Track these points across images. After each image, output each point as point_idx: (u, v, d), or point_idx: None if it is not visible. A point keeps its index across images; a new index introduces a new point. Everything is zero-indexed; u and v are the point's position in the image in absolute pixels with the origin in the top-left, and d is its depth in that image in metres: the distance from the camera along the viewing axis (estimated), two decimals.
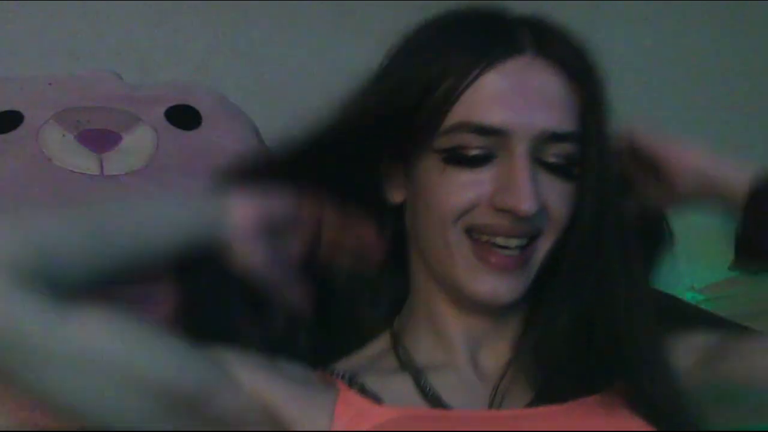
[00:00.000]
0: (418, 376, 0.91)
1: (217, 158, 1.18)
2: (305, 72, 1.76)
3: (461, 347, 0.94)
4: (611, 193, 0.92)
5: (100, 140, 1.14)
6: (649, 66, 1.97)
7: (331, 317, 0.98)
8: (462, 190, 0.88)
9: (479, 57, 0.87)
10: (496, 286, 0.89)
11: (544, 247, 0.90)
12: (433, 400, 0.90)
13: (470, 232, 0.89)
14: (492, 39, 0.89)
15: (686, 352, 0.93)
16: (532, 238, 0.90)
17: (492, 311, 0.93)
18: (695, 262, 1.87)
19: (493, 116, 0.86)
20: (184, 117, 1.21)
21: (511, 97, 0.87)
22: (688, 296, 1.73)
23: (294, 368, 0.92)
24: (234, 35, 1.74)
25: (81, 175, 1.11)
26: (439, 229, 0.89)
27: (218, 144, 1.20)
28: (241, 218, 0.91)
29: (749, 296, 1.71)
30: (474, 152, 0.87)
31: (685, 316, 1.15)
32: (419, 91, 0.88)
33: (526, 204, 0.85)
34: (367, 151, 0.92)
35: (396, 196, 0.95)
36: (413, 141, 0.90)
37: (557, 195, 0.89)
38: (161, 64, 1.67)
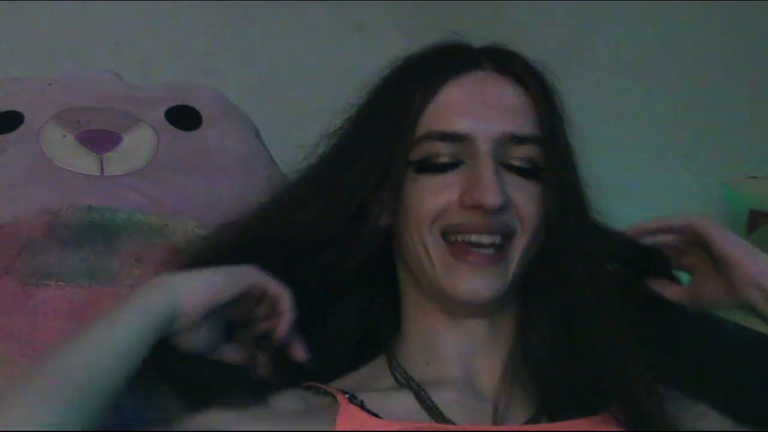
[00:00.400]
0: (418, 392, 0.93)
1: (217, 158, 1.19)
2: (305, 72, 1.76)
3: (454, 363, 0.96)
4: (574, 195, 0.97)
5: (100, 140, 1.14)
6: (647, 67, 1.97)
7: (325, 341, 0.99)
8: (433, 194, 0.93)
9: (440, 73, 0.96)
10: (474, 283, 0.92)
11: (519, 245, 0.94)
12: (436, 415, 0.91)
13: (445, 234, 0.93)
14: (452, 58, 0.98)
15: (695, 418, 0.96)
16: (506, 237, 0.93)
17: (481, 321, 0.96)
18: None
19: (456, 123, 0.93)
20: (184, 117, 1.22)
21: (471, 105, 0.94)
22: None
23: (288, 400, 0.93)
24: (234, 35, 1.74)
25: (81, 175, 1.11)
26: (416, 235, 0.94)
27: (218, 144, 1.20)
28: (190, 306, 0.89)
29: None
30: (442, 159, 0.94)
31: (686, 317, 1.16)
32: (398, 115, 0.95)
33: (490, 197, 0.90)
34: (361, 184, 0.96)
35: (383, 220, 0.98)
36: (393, 159, 0.95)
37: (524, 195, 0.94)
38: (161, 64, 1.67)
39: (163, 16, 1.70)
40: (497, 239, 0.93)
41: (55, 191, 1.08)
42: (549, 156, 0.95)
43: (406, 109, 0.95)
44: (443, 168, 0.93)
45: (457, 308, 0.95)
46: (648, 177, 1.92)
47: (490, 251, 0.93)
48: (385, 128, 0.96)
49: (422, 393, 0.93)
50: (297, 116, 1.74)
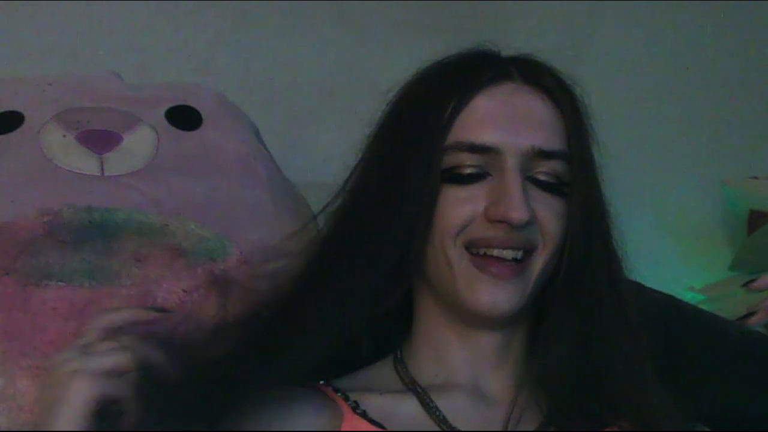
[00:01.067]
0: (423, 397, 0.93)
1: (217, 158, 1.19)
2: (305, 72, 1.76)
3: (463, 373, 0.96)
4: (598, 213, 0.97)
5: (100, 140, 1.14)
6: (646, 67, 1.97)
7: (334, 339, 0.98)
8: (459, 205, 0.92)
9: (471, 83, 0.95)
10: (494, 295, 0.92)
11: (539, 261, 0.94)
12: (442, 422, 0.92)
13: (469, 247, 0.93)
14: (483, 69, 0.96)
15: None
16: (527, 252, 0.93)
17: (493, 335, 0.96)
18: (695, 262, 1.88)
19: (485, 136, 0.93)
20: (184, 117, 1.22)
21: (500, 117, 0.94)
22: (688, 296, 1.73)
23: (293, 401, 0.93)
24: (234, 35, 1.74)
25: (81, 175, 1.11)
26: (439, 246, 0.93)
27: (218, 144, 1.20)
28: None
29: (749, 296, 1.72)
30: (468, 170, 0.93)
31: (685, 317, 1.16)
32: (430, 127, 0.94)
33: (517, 212, 0.90)
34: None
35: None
36: (427, 172, 0.94)
37: (548, 211, 0.93)
38: (161, 64, 1.67)
39: (163, 16, 1.70)
40: (519, 254, 0.92)
41: (55, 191, 1.08)
42: (575, 172, 0.95)
43: (435, 119, 0.94)
44: (469, 179, 0.93)
45: (473, 320, 0.95)
46: (648, 177, 1.92)
47: (512, 264, 0.92)
48: (414, 139, 0.94)
49: (427, 399, 0.93)
50: (297, 116, 1.74)
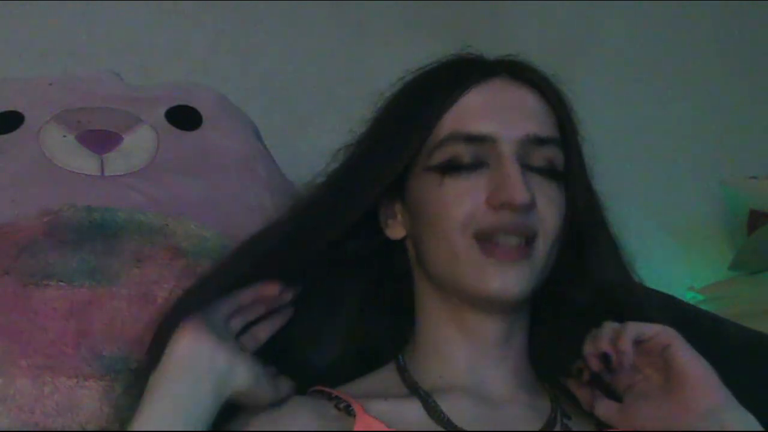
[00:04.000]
0: (427, 400, 0.94)
1: (217, 158, 1.19)
2: (305, 72, 1.76)
3: (466, 373, 0.96)
4: (594, 200, 0.99)
5: (100, 141, 1.14)
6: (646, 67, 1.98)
7: (334, 347, 1.00)
8: (461, 198, 0.93)
9: (460, 81, 0.97)
10: (504, 279, 0.92)
11: (541, 247, 0.94)
12: (446, 423, 0.92)
13: (477, 237, 0.93)
14: (470, 69, 0.99)
15: None
16: (530, 240, 0.94)
17: (495, 325, 0.96)
18: (695, 262, 1.88)
19: (480, 126, 0.94)
20: (184, 117, 1.21)
21: (493, 108, 0.96)
22: (688, 296, 1.73)
23: (301, 405, 0.93)
24: (234, 35, 1.74)
25: (81, 175, 1.11)
26: (443, 240, 0.94)
27: (218, 144, 1.20)
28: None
29: (749, 296, 1.72)
30: (467, 160, 0.94)
31: (686, 317, 1.16)
32: (418, 119, 0.96)
33: (519, 195, 0.91)
34: (369, 195, 0.97)
35: (397, 232, 1.00)
36: (411, 168, 0.96)
37: (546, 197, 0.94)
38: (161, 64, 1.67)
39: (163, 17, 1.70)
40: (522, 241, 0.93)
41: (55, 191, 1.08)
42: (569, 158, 0.97)
43: (428, 113, 0.96)
44: (468, 169, 0.94)
45: (481, 308, 0.95)
46: (648, 177, 1.92)
47: (517, 248, 0.93)
48: (404, 133, 0.97)
49: (431, 402, 0.93)
50: (297, 116, 1.74)
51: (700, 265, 1.87)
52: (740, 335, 1.20)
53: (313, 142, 1.68)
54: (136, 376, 0.92)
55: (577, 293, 0.98)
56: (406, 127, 0.97)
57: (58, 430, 0.96)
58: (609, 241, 0.99)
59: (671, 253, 1.87)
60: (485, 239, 0.92)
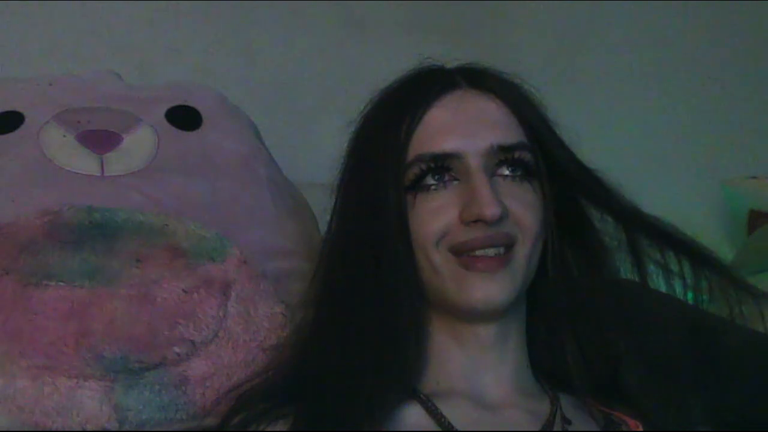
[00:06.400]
0: (427, 404, 0.94)
1: (217, 158, 1.19)
2: (305, 72, 1.76)
3: (462, 378, 0.97)
4: (570, 198, 1.00)
5: (100, 141, 1.14)
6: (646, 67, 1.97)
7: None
8: (433, 216, 0.95)
9: (422, 98, 0.98)
10: (486, 289, 0.93)
11: (521, 252, 0.96)
12: (447, 426, 0.92)
13: (453, 252, 0.95)
14: (430, 82, 1.00)
15: None
16: (509, 247, 0.95)
17: (489, 326, 0.96)
18: None
19: (444, 144, 0.96)
20: (184, 117, 1.21)
21: (455, 124, 0.97)
22: (688, 296, 1.73)
23: None
24: (234, 35, 1.74)
25: (81, 175, 1.11)
26: (422, 256, 0.95)
27: (218, 144, 1.20)
28: None
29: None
30: (435, 179, 0.96)
31: (685, 317, 1.16)
32: (388, 146, 0.97)
33: (489, 208, 0.92)
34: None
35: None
36: (392, 189, 0.97)
37: (520, 202, 0.96)
38: (161, 64, 1.67)
39: (163, 16, 1.70)
40: (501, 251, 0.94)
41: (55, 191, 1.08)
42: (538, 162, 0.98)
43: (394, 137, 0.97)
44: (437, 188, 0.95)
45: (468, 318, 0.96)
46: (648, 177, 1.92)
47: (497, 257, 0.94)
48: (378, 158, 0.97)
49: (431, 405, 0.94)
50: (297, 116, 1.74)
51: None
52: (740, 336, 1.20)
53: (313, 142, 1.68)
54: None
55: (565, 291, 0.99)
56: (380, 164, 0.97)
57: (58, 430, 0.96)
58: (594, 235, 1.00)
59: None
60: (462, 253, 0.94)
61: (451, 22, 1.82)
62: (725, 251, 1.86)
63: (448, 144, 0.95)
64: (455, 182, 0.95)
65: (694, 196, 1.94)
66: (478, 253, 0.93)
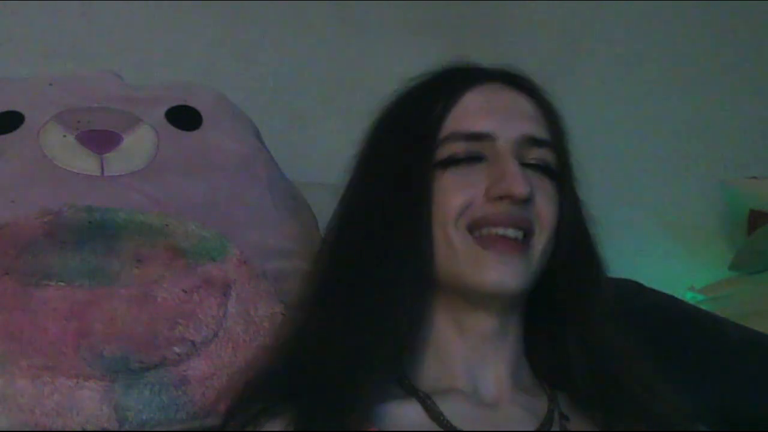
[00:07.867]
0: (427, 402, 0.94)
1: (217, 158, 1.19)
2: (305, 72, 1.76)
3: (463, 374, 0.97)
4: (581, 206, 1.02)
5: (100, 141, 1.14)
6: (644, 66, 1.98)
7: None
8: (458, 189, 0.95)
9: (460, 83, 1.01)
10: (502, 272, 0.94)
11: (538, 244, 0.96)
12: (445, 425, 0.92)
13: (471, 229, 0.95)
14: (469, 72, 1.03)
15: None
16: (527, 236, 0.95)
17: (490, 318, 0.96)
18: (695, 262, 1.88)
19: (479, 124, 0.97)
20: (184, 117, 1.22)
21: (491, 108, 0.99)
22: (688, 296, 1.73)
23: None
24: (234, 35, 1.74)
25: (81, 175, 1.11)
26: (441, 233, 0.95)
27: (218, 144, 1.20)
28: None
29: (749, 296, 1.72)
30: (465, 155, 0.97)
31: (686, 317, 1.16)
32: (421, 120, 0.99)
33: (519, 187, 0.93)
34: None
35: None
36: (420, 164, 0.98)
37: (543, 192, 0.97)
38: (161, 64, 1.67)
39: (163, 16, 1.70)
40: (520, 235, 0.95)
41: (56, 191, 1.08)
42: (562, 161, 1.00)
43: (428, 114, 0.98)
44: (466, 163, 0.96)
45: (477, 303, 0.96)
46: (648, 177, 1.92)
47: (516, 242, 0.95)
48: (409, 135, 0.99)
49: (429, 402, 0.93)
50: (297, 116, 1.74)
51: (700, 265, 1.87)
52: (740, 335, 1.20)
53: (313, 142, 1.68)
54: None
55: (565, 296, 0.99)
56: (411, 134, 0.99)
57: (58, 430, 0.96)
58: (589, 248, 1.01)
59: (671, 253, 1.86)
60: (480, 233, 0.94)
61: (451, 22, 1.82)
62: (725, 251, 1.86)
63: (483, 125, 0.97)
64: (485, 162, 0.96)
65: (694, 196, 1.95)
66: (500, 231, 0.94)
